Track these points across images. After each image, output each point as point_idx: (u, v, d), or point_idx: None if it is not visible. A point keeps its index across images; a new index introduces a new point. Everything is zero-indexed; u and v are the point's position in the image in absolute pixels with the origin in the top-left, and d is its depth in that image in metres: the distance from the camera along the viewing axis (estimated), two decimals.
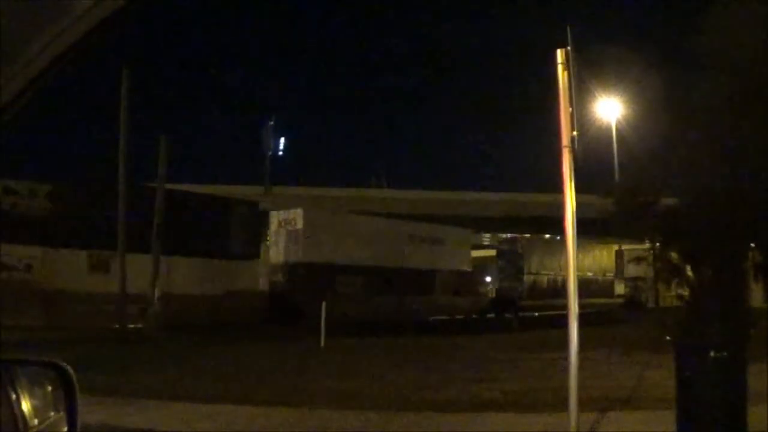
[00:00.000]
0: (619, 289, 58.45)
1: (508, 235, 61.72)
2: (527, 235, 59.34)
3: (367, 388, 11.25)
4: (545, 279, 59.47)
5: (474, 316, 34.51)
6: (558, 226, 8.23)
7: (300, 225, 29.68)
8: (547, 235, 57.61)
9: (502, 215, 49.60)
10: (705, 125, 16.56)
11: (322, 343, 18.38)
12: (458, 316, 33.39)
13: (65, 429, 1.99)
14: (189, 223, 25.65)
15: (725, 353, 6.49)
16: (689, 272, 18.27)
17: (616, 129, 27.61)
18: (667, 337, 13.55)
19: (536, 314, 34.14)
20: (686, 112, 17.32)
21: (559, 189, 7.05)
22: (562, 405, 7.48)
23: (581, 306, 7.37)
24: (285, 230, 30.01)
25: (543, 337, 18.92)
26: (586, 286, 48.56)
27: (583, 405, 7.23)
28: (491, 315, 35.49)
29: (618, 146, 27.20)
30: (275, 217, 30.97)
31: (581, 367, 6.96)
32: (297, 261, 29.47)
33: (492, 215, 49.26)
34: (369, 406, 9.56)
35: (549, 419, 8.35)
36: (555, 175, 7.06)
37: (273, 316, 26.69)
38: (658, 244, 21.28)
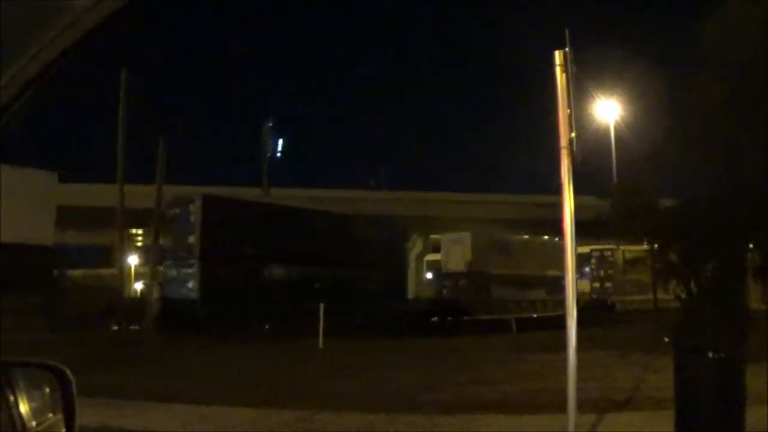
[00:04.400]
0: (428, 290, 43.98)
1: None
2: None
3: (365, 389, 11.25)
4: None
5: None
6: (557, 228, 8.23)
7: None
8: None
9: (502, 217, 49.61)
10: (704, 126, 16.58)
11: (321, 345, 18.42)
12: None
13: (63, 431, 1.99)
14: None
15: (724, 354, 6.49)
16: (688, 273, 18.28)
17: (615, 130, 27.68)
18: (666, 339, 13.56)
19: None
20: (685, 113, 17.35)
21: (557, 190, 7.06)
22: (560, 406, 7.47)
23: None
24: None
25: (540, 339, 18.91)
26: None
27: (581, 406, 7.23)
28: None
29: (616, 147, 27.28)
30: None
31: (579, 368, 6.96)
32: None
33: (492, 216, 49.27)
34: (368, 408, 9.56)
35: (548, 420, 8.35)
36: (554, 177, 7.06)
37: None
38: (656, 245, 21.29)
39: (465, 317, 30.04)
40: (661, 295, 43.96)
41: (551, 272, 40.04)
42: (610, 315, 33.18)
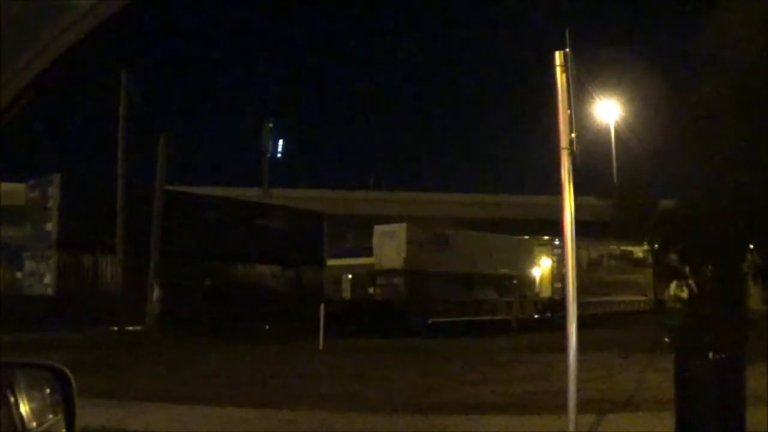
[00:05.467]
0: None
1: None
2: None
3: (365, 390, 11.25)
4: None
5: None
6: (557, 228, 8.23)
7: None
8: None
9: (502, 217, 49.61)
10: (704, 127, 16.58)
11: (321, 346, 18.41)
12: None
13: None
14: None
15: (724, 355, 6.49)
16: (688, 274, 18.28)
17: (615, 131, 27.63)
18: (666, 339, 13.57)
19: None
20: (685, 114, 17.35)
21: (557, 191, 7.06)
22: (561, 407, 7.47)
23: None
24: None
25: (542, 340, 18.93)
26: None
27: (582, 407, 7.22)
28: None
29: (617, 148, 27.25)
30: None
31: (580, 369, 6.96)
32: None
33: (490, 217, 49.27)
34: (369, 408, 9.56)
35: (548, 421, 8.34)
36: (553, 177, 7.06)
37: None
38: (657, 246, 21.30)
39: (397, 320, 26.44)
40: (621, 297, 41.56)
41: (504, 271, 37.02)
42: (564, 317, 31.51)
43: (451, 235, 34.87)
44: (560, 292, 40.77)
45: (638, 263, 43.80)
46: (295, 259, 29.12)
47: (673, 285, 20.15)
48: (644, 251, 43.67)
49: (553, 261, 46.60)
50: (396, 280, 31.31)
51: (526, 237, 45.00)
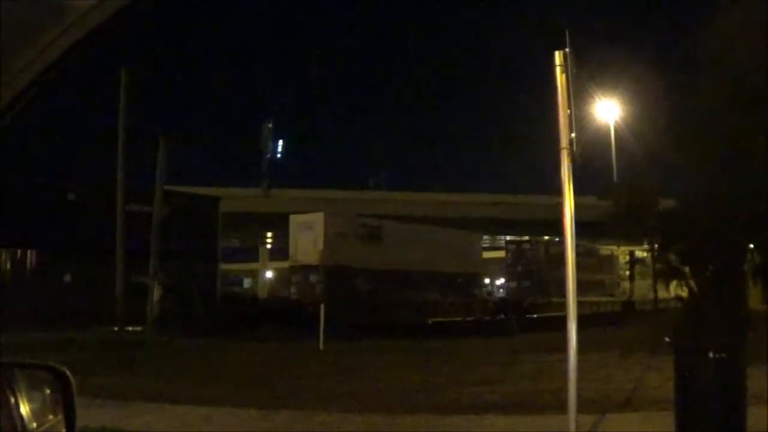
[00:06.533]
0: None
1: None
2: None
3: (366, 390, 11.25)
4: None
5: None
6: (557, 228, 8.23)
7: None
8: None
9: (501, 217, 49.62)
10: (704, 126, 16.58)
11: (321, 346, 18.41)
12: None
13: None
14: None
15: (724, 355, 6.50)
16: (688, 274, 18.27)
17: (615, 130, 27.69)
18: (666, 339, 13.56)
19: None
20: (685, 113, 17.35)
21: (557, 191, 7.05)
22: (561, 407, 7.46)
23: None
24: None
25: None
26: None
27: (582, 407, 7.22)
28: None
29: (616, 148, 27.31)
30: None
31: (580, 369, 6.95)
32: None
33: (490, 217, 49.26)
34: (369, 409, 9.55)
35: (548, 421, 8.34)
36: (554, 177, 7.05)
37: None
38: (657, 245, 21.29)
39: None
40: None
41: (447, 269, 33.87)
42: (519, 319, 28.02)
43: (384, 227, 31.59)
44: (515, 292, 39.18)
45: (605, 261, 42.46)
46: (179, 252, 25.18)
47: (672, 284, 20.13)
48: (611, 248, 42.62)
49: (507, 258, 43.51)
50: (312, 278, 27.94)
51: (478, 233, 42.13)
